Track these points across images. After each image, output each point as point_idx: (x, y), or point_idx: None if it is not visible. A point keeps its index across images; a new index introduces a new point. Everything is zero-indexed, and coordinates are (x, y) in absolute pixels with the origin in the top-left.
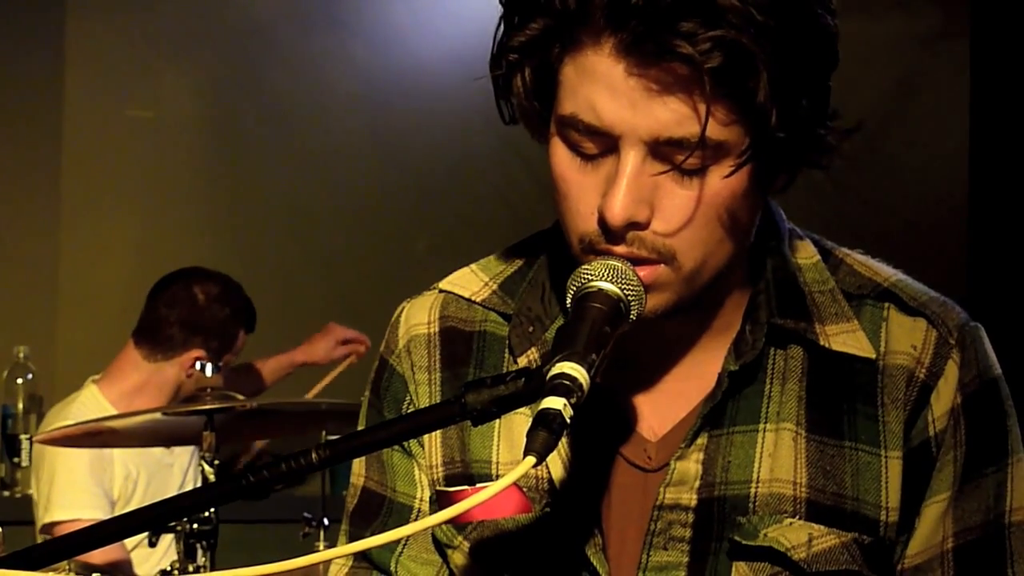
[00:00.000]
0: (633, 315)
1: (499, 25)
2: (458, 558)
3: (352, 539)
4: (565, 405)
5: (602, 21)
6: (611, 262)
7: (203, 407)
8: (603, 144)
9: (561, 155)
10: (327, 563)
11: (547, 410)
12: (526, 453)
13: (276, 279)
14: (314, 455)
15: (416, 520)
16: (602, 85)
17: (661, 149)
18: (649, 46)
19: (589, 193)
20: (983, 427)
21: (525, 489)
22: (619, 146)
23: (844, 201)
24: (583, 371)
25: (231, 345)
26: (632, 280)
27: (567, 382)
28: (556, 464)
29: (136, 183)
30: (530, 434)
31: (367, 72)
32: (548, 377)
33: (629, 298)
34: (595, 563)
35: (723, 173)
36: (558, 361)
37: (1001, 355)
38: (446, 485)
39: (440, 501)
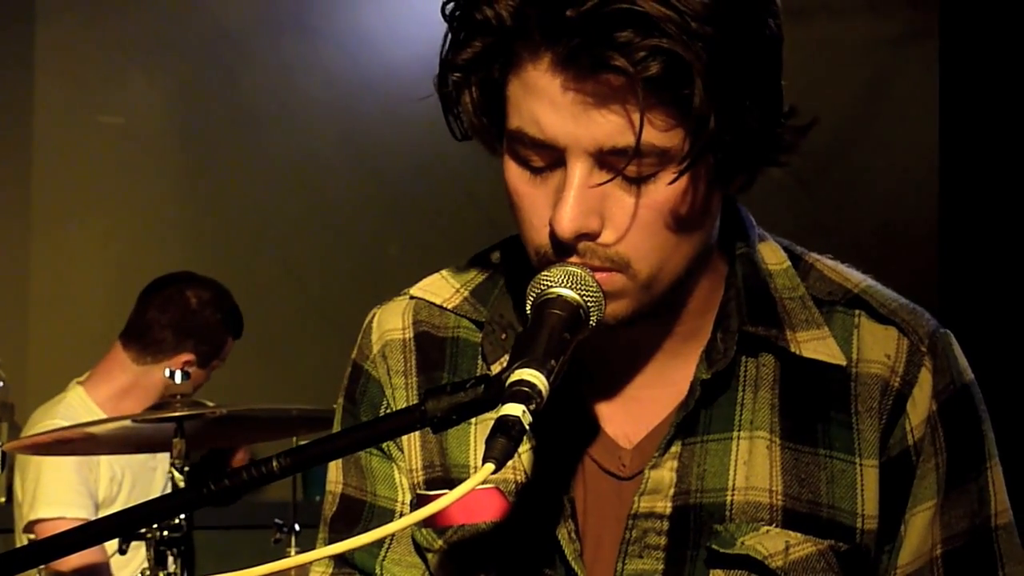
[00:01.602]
0: (592, 321)
1: (444, 42)
2: (437, 561)
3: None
4: (524, 412)
5: (538, 36)
6: (570, 268)
7: (173, 414)
8: (550, 157)
9: (512, 169)
10: (303, 569)
11: (506, 417)
12: (485, 460)
13: (247, 284)
14: (275, 463)
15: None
16: (543, 99)
17: (606, 159)
18: (584, 59)
19: (540, 206)
20: (961, 433)
21: (506, 493)
22: (565, 158)
23: (814, 203)
24: (542, 378)
25: (220, 351)
26: (591, 286)
27: (526, 388)
28: (533, 470)
29: (107, 189)
30: (489, 441)
31: (338, 77)
32: (507, 384)
33: (588, 304)
34: (575, 568)
35: (668, 179)
36: (517, 368)
37: (971, 358)
38: (426, 489)
39: (420, 505)
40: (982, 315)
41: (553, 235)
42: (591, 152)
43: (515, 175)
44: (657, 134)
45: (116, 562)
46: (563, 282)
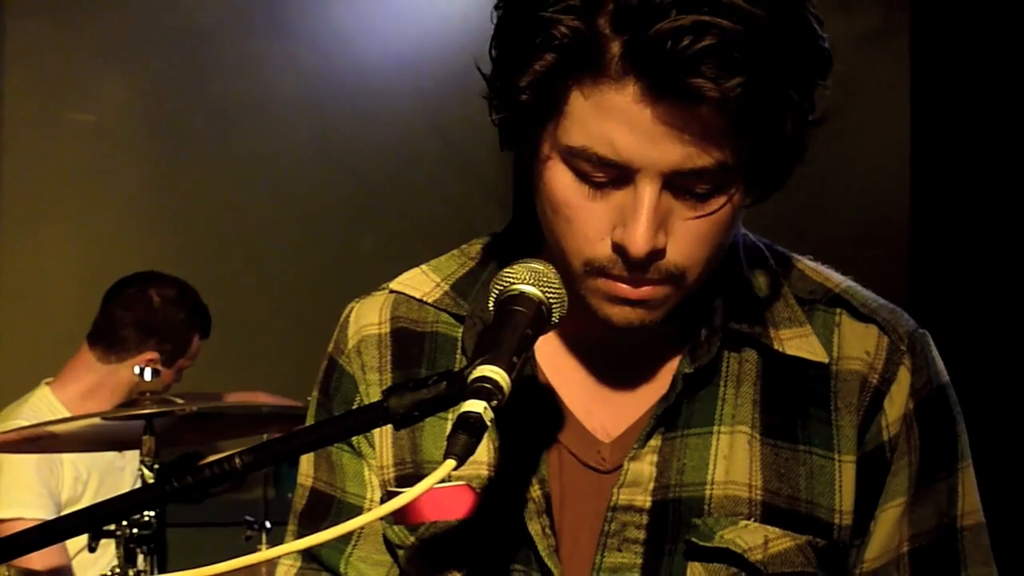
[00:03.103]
0: (555, 318)
1: (497, 46)
2: (409, 558)
3: (300, 539)
4: (486, 408)
5: (623, 63)
6: (533, 265)
7: (143, 411)
8: (615, 174)
9: (566, 182)
10: (272, 564)
11: (468, 413)
12: (446, 456)
13: (220, 282)
14: (238, 460)
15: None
16: (620, 121)
17: (675, 178)
18: (675, 89)
19: (599, 219)
20: (935, 433)
21: (477, 490)
22: (634, 178)
23: (786, 202)
24: (504, 374)
25: (185, 349)
26: (554, 283)
27: (488, 385)
28: (508, 466)
29: (77, 187)
30: (451, 437)
31: (310, 75)
32: (469, 380)
33: (551, 301)
34: (549, 564)
35: (729, 193)
36: (479, 364)
37: (943, 357)
38: (397, 486)
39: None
40: (954, 314)
41: (622, 251)
42: (664, 173)
43: (569, 188)
44: (726, 154)
45: (86, 560)
46: (526, 279)
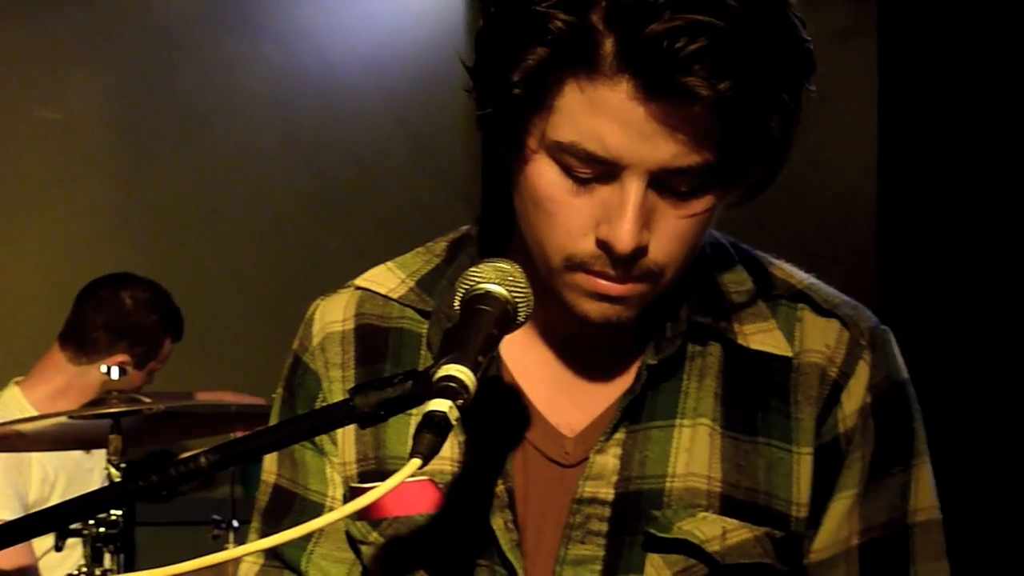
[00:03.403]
0: (521, 317)
1: (487, 38)
2: (372, 554)
3: (263, 537)
4: (451, 407)
5: (616, 61)
6: (500, 264)
7: (110, 410)
8: (601, 170)
9: (550, 177)
10: (236, 562)
11: (433, 412)
12: (411, 455)
13: (187, 281)
14: (203, 459)
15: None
16: (611, 118)
17: (661, 176)
18: (668, 89)
19: (582, 215)
20: (891, 427)
21: (441, 486)
22: (621, 175)
23: (753, 203)
24: (470, 373)
25: (156, 352)
26: (520, 282)
27: (453, 384)
28: (471, 461)
29: (44, 185)
30: (416, 436)
31: (279, 73)
32: (435, 379)
33: (517, 300)
34: (511, 558)
35: (712, 192)
36: (445, 363)
37: (908, 357)
38: (360, 482)
39: (354, 498)
40: (921, 313)
41: (607, 248)
42: (652, 171)
43: (553, 183)
44: (712, 153)
45: (53, 560)
46: (493, 278)
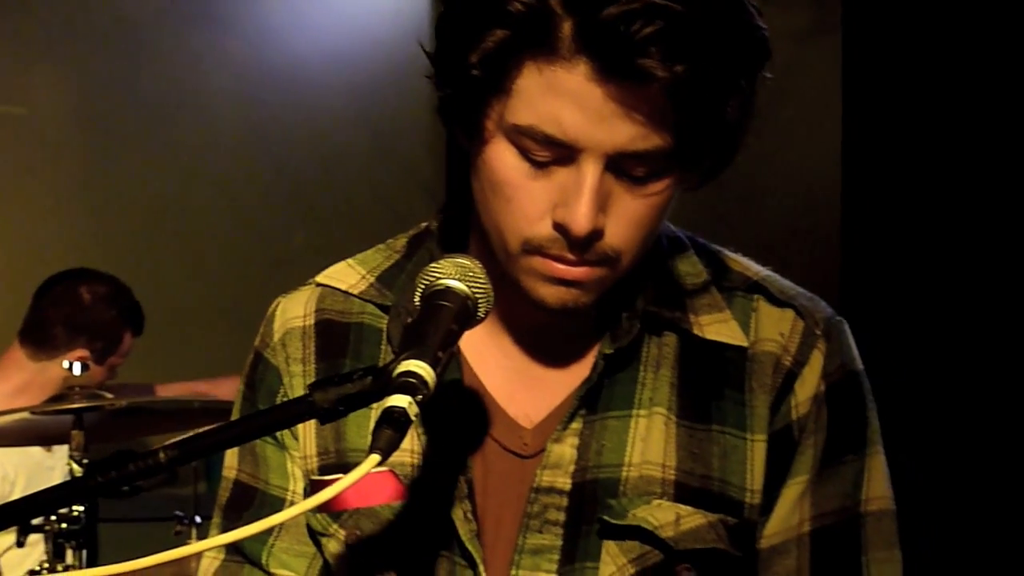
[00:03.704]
0: (481, 313)
1: (447, 22)
2: (333, 546)
3: (224, 532)
4: (411, 403)
5: (574, 43)
6: (459, 260)
7: (72, 406)
8: (558, 153)
9: (508, 160)
10: (198, 558)
11: (392, 408)
12: (370, 451)
13: (151, 276)
14: (162, 455)
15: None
16: (570, 101)
17: (618, 160)
18: (624, 70)
19: (539, 199)
20: (845, 415)
21: (401, 476)
22: (578, 158)
23: (718, 196)
24: (429, 369)
25: (116, 346)
26: (480, 278)
27: (413, 380)
28: (431, 453)
29: (7, 180)
30: (375, 432)
31: (243, 68)
32: (394, 375)
33: (477, 296)
34: (470, 549)
35: (668, 178)
36: (404, 359)
37: (872, 355)
38: (320, 475)
39: (314, 490)
40: (884, 311)
41: (563, 231)
42: (609, 154)
43: (511, 167)
44: (668, 138)
45: (15, 556)
46: (452, 274)
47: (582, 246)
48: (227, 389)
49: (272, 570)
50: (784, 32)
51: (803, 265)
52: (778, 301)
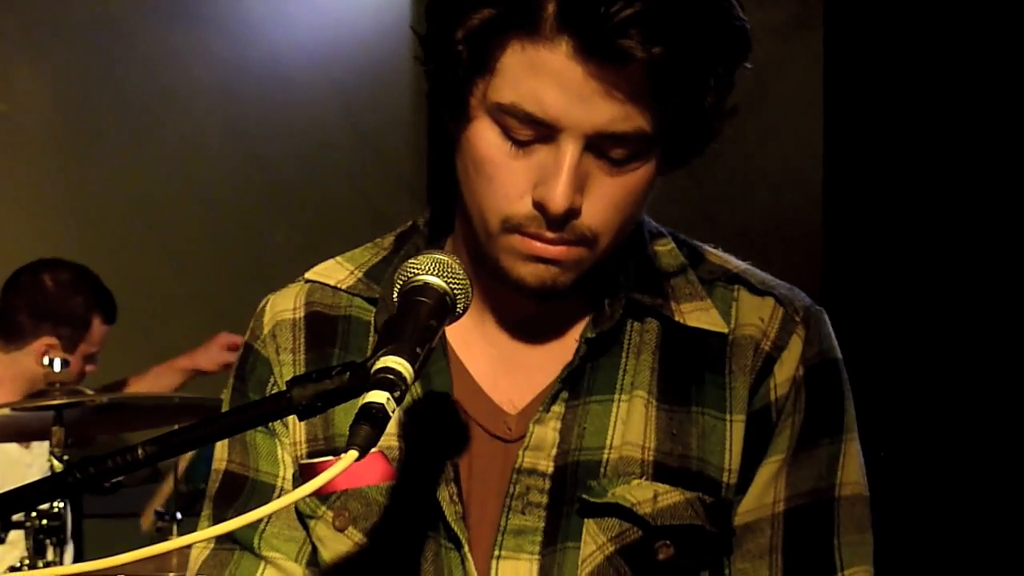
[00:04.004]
0: (460, 308)
1: (436, 1)
2: (321, 529)
3: (215, 521)
4: (388, 399)
5: (557, 22)
6: (437, 256)
7: (52, 402)
8: (539, 132)
9: (490, 139)
10: (179, 553)
11: (370, 404)
12: (348, 447)
13: (133, 273)
14: (141, 450)
15: (279, 498)
16: (549, 79)
17: (597, 141)
18: (605, 50)
19: (520, 178)
20: (822, 399)
21: (391, 459)
22: (558, 137)
23: (700, 193)
24: (407, 365)
25: (84, 333)
26: (458, 274)
27: (391, 376)
28: (417, 437)
29: None
30: (353, 428)
31: (224, 65)
32: (372, 371)
33: (455, 291)
34: (456, 529)
35: (645, 162)
36: (382, 355)
37: (854, 340)
38: (308, 459)
39: (304, 474)
40: (865, 305)
41: (542, 209)
42: (588, 134)
43: (492, 145)
44: (647, 121)
45: None
46: (430, 270)
47: (559, 224)
48: (206, 355)
49: (263, 553)
50: (766, 28)
51: (785, 260)
52: (758, 290)
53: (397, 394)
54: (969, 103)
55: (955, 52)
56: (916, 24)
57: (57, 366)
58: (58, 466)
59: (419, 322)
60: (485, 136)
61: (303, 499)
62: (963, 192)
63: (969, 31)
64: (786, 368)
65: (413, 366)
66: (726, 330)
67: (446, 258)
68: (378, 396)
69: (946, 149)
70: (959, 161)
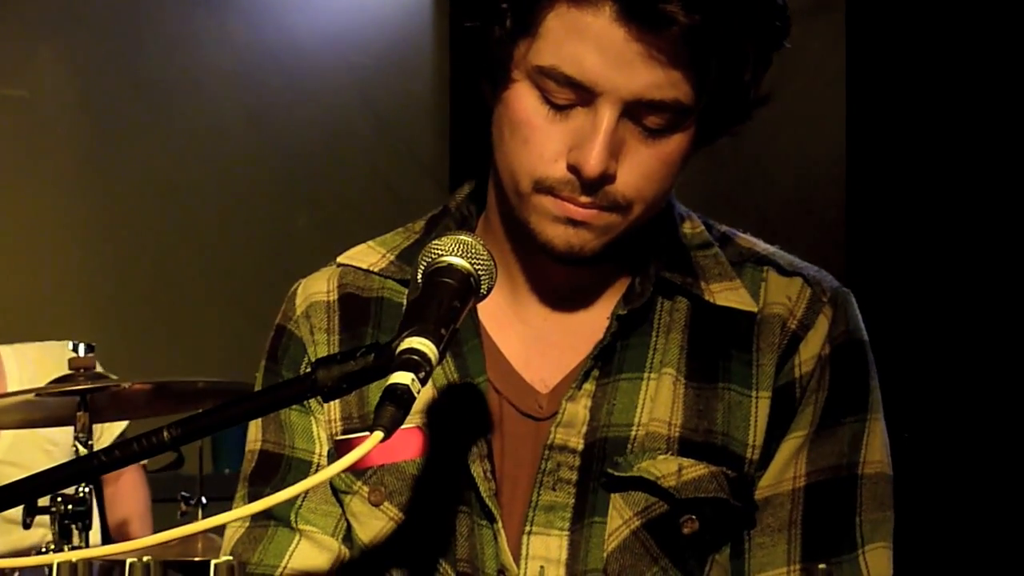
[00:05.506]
0: (484, 289)
1: None
2: (356, 504)
3: (252, 499)
4: (413, 380)
5: None
6: (461, 237)
7: (77, 387)
8: (577, 97)
9: (529, 101)
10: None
11: (395, 385)
12: (373, 428)
13: (153, 259)
14: (166, 433)
15: (316, 473)
16: (593, 43)
17: (635, 108)
18: (648, 14)
19: (556, 140)
20: (847, 378)
21: (426, 435)
22: (596, 102)
23: (723, 176)
24: (432, 346)
25: None
26: (482, 255)
27: (416, 357)
28: (451, 415)
29: (9, 163)
30: (378, 409)
31: (244, 50)
32: (397, 352)
33: (479, 272)
34: (490, 505)
35: (682, 135)
36: (407, 336)
37: (877, 328)
38: (344, 435)
39: (339, 451)
40: (889, 288)
41: (576, 172)
42: (626, 100)
43: (531, 107)
44: (685, 91)
45: (19, 536)
46: (454, 250)
47: (593, 188)
48: None
49: (299, 527)
50: (788, 9)
51: (808, 242)
52: (787, 271)
53: (422, 375)
54: (993, 84)
55: (978, 33)
56: (938, 5)
57: (82, 351)
58: (83, 451)
59: (443, 303)
60: (523, 99)
61: (338, 475)
62: (987, 174)
63: (992, 11)
64: (811, 346)
65: (438, 347)
66: (755, 309)
67: (470, 239)
68: (403, 377)
69: (970, 131)
70: (983, 143)
